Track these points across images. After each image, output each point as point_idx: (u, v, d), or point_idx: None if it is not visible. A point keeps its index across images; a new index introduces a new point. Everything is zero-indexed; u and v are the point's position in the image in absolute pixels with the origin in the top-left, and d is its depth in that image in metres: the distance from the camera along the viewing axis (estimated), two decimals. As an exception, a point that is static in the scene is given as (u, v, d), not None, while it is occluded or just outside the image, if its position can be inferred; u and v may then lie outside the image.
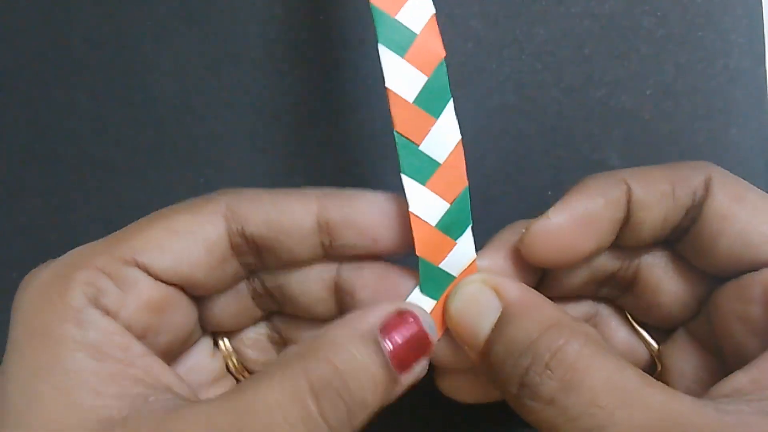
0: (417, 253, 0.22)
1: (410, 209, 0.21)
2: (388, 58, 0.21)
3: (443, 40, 0.29)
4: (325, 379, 0.18)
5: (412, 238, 0.21)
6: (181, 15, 0.29)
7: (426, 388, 0.29)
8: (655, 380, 0.19)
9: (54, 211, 0.29)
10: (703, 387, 0.21)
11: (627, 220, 0.22)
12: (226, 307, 0.24)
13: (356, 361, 0.19)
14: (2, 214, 0.29)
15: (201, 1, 0.29)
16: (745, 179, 0.29)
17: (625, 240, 0.23)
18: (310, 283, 0.23)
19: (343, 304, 0.23)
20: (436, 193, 0.22)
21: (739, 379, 0.19)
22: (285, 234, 0.21)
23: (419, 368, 0.21)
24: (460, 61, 0.28)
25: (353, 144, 0.28)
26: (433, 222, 0.22)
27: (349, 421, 0.19)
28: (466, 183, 0.22)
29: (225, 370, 0.25)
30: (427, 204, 0.22)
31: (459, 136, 0.22)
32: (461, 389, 0.24)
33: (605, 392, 0.18)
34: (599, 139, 0.28)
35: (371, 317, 0.20)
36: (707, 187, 0.21)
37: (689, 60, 0.28)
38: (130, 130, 0.29)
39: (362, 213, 0.21)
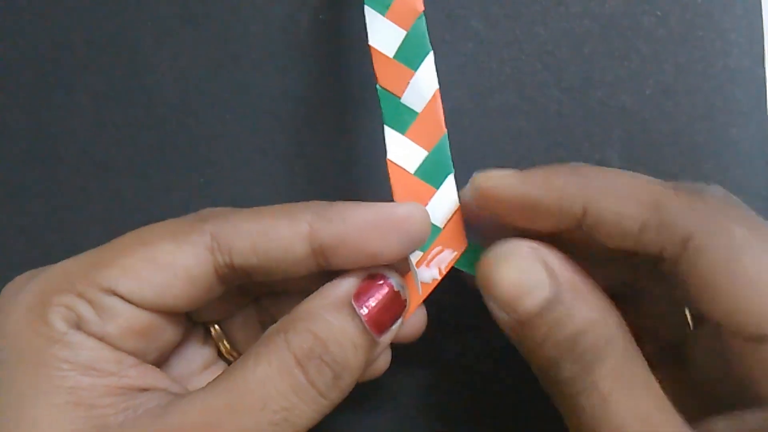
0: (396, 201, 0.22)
1: (388, 157, 0.22)
2: (371, 17, 0.22)
3: (444, 39, 0.29)
4: (307, 347, 0.19)
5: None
6: (181, 15, 0.29)
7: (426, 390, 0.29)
8: (671, 407, 0.19)
9: (55, 212, 0.29)
10: None
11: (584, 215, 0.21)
12: (215, 301, 0.24)
13: (334, 327, 0.20)
14: (3, 215, 0.29)
15: (201, 1, 0.29)
16: (745, 179, 0.29)
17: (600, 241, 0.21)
18: (300, 269, 0.22)
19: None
20: (415, 142, 0.22)
21: (719, 425, 0.19)
22: (276, 262, 0.21)
23: (395, 327, 0.21)
24: (461, 61, 0.28)
25: (353, 144, 0.28)
26: (412, 169, 0.22)
27: (336, 384, 0.20)
28: (444, 131, 0.22)
29: (216, 355, 0.25)
30: (405, 152, 0.22)
31: (436, 86, 0.22)
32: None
33: (630, 422, 0.18)
34: (599, 139, 0.28)
35: (344, 285, 0.21)
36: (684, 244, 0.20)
37: (689, 60, 0.28)
38: (130, 130, 0.29)
39: (357, 231, 0.20)
